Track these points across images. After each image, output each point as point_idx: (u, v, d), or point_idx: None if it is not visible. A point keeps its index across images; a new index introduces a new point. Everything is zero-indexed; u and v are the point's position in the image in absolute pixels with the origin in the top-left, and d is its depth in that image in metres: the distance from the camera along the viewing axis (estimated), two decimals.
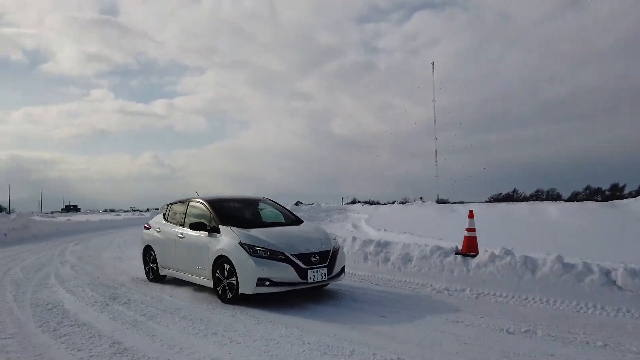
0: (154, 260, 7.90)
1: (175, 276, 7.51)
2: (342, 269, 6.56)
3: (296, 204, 35.65)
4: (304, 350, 4.15)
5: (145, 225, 8.49)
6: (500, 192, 35.67)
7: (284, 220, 7.28)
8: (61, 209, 55.12)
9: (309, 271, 5.95)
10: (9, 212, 36.11)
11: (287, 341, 4.44)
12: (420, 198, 29.70)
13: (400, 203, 24.63)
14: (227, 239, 6.25)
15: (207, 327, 5.00)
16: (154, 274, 7.93)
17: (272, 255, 5.92)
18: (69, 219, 27.41)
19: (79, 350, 4.28)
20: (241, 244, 6.04)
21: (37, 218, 25.16)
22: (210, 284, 6.47)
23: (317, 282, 6.06)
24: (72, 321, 5.32)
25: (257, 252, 5.94)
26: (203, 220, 6.81)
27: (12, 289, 7.38)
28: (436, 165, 31.00)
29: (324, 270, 6.11)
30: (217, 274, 6.31)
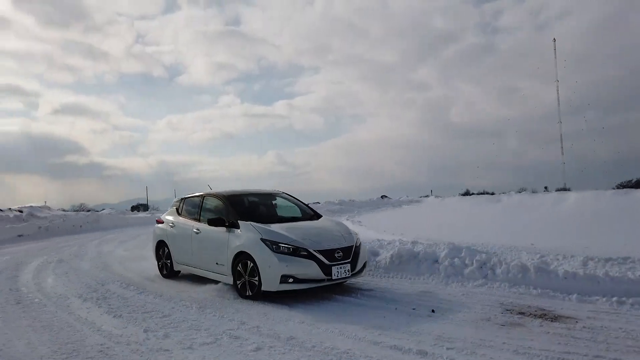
0: (168, 256, 7.75)
1: (191, 272, 7.37)
2: (364, 265, 6.43)
3: (382, 197, 35.37)
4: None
5: (158, 220, 8.32)
6: (630, 179, 31.12)
7: (302, 215, 7.13)
8: None
9: (332, 267, 5.83)
10: (146, 210, 39.31)
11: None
12: (545, 188, 27.74)
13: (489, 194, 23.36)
14: (248, 235, 6.11)
15: None
16: (167, 270, 7.77)
17: (296, 251, 5.79)
18: (137, 215, 27.19)
19: None
20: (263, 240, 5.89)
21: (106, 212, 26.10)
22: (230, 280, 6.33)
23: (341, 278, 5.94)
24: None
25: (280, 249, 5.80)
26: (221, 216, 6.65)
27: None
28: (562, 151, 28.85)
29: (348, 267, 5.98)
30: (237, 271, 6.17)
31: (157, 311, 5.52)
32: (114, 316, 5.38)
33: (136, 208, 44.81)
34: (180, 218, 7.67)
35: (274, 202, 7.48)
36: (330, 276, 5.80)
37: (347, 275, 5.98)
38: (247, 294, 6.03)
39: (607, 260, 6.33)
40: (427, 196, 30.70)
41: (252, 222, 6.26)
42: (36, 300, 6.34)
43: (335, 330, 4.61)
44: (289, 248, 5.80)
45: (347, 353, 3.96)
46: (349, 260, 6.04)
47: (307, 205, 7.55)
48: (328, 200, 30.14)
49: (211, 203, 7.23)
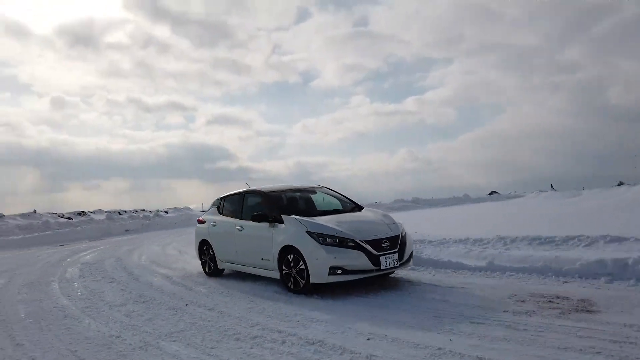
0: (211, 255, 7.81)
1: (235, 269, 7.41)
2: (411, 255, 6.33)
3: (490, 194, 35.23)
4: None
5: (199, 219, 8.40)
6: None
7: (343, 208, 7.08)
8: None
9: (381, 257, 5.75)
10: None
11: None
12: None
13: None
14: (293, 229, 6.09)
15: None
16: (211, 268, 7.84)
17: (342, 242, 5.74)
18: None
19: None
20: (309, 233, 5.86)
21: (165, 214, 28.36)
22: (277, 275, 6.33)
23: (390, 268, 5.86)
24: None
25: (326, 240, 5.76)
26: (264, 212, 6.66)
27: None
28: None
29: (395, 256, 5.90)
30: (284, 265, 6.17)
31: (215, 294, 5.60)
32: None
33: None
34: (222, 217, 7.71)
35: (314, 196, 7.44)
36: (378, 266, 5.73)
37: (395, 265, 5.89)
38: (295, 287, 6.01)
39: None
40: (540, 191, 29.16)
41: (295, 216, 6.24)
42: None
43: None
44: (336, 239, 5.75)
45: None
46: (396, 249, 5.95)
47: (347, 197, 7.49)
48: (398, 199, 30.22)
49: (252, 200, 7.25)
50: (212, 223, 7.86)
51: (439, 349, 3.69)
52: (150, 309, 5.74)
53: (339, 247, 5.72)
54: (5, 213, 22.35)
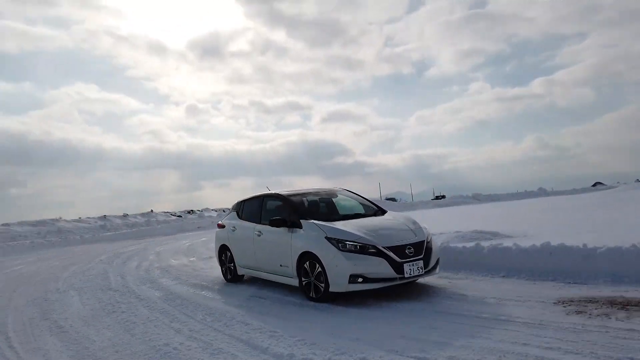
0: (231, 260, 7.63)
1: (255, 275, 7.20)
2: (437, 261, 5.96)
3: (594, 185, 32.97)
4: None
5: (219, 223, 8.25)
6: None
7: (365, 212, 6.76)
8: (431, 199, 57.17)
9: (404, 265, 5.42)
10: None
11: None
12: None
13: None
14: (312, 234, 5.82)
15: None
16: (231, 274, 7.65)
17: (363, 249, 5.43)
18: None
19: None
20: (328, 239, 5.58)
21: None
22: (296, 283, 6.07)
23: (414, 276, 5.51)
24: None
25: (346, 247, 5.46)
26: (283, 216, 6.42)
27: None
28: None
29: (420, 263, 5.55)
30: (302, 272, 5.90)
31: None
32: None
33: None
34: (242, 221, 7.52)
35: (335, 199, 7.15)
36: (402, 274, 5.39)
37: (420, 273, 5.54)
38: (314, 295, 5.74)
39: None
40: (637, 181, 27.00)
41: (314, 221, 5.96)
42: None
43: None
44: (356, 246, 5.45)
45: None
46: (421, 256, 5.60)
47: (371, 201, 7.17)
48: (457, 194, 29.85)
49: (272, 204, 7.03)
50: (232, 228, 7.68)
51: None
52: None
53: (360, 253, 5.41)
54: (156, 210, 31.48)
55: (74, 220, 27.02)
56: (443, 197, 56.51)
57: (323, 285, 5.58)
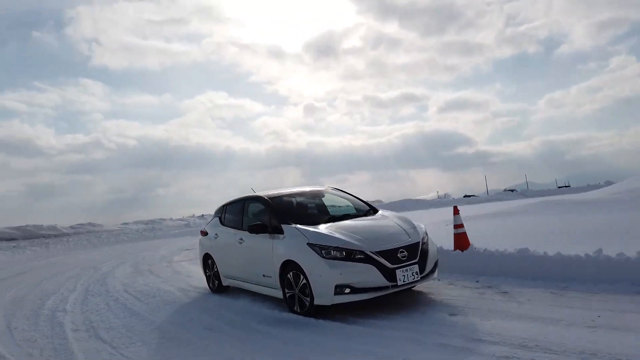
0: (215, 270, 7.05)
1: (239, 287, 6.61)
2: (436, 265, 5.34)
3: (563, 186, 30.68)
4: None
5: (202, 230, 7.67)
6: None
7: (355, 212, 6.14)
8: (558, 187, 55.50)
9: (397, 271, 4.80)
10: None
11: None
12: None
13: None
14: (293, 240, 5.22)
15: None
16: (216, 285, 7.08)
17: (349, 255, 4.81)
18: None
19: None
20: (310, 245, 4.97)
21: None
22: (280, 294, 5.47)
23: (409, 283, 4.89)
24: None
25: (330, 253, 4.85)
26: (264, 221, 5.82)
27: None
28: None
29: (416, 268, 4.93)
30: (286, 282, 5.31)
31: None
32: None
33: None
34: (224, 227, 6.93)
35: (322, 199, 6.53)
36: (394, 282, 4.77)
37: (415, 279, 4.92)
38: (298, 309, 5.14)
39: None
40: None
41: (297, 225, 5.36)
42: None
43: None
44: (342, 252, 4.83)
45: None
46: (416, 260, 4.98)
47: (361, 200, 6.55)
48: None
49: (253, 207, 6.44)
50: (214, 235, 7.09)
51: None
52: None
53: (346, 260, 4.80)
54: None
55: (178, 219, 34.91)
56: (567, 186, 53.85)
57: (308, 298, 4.98)
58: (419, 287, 5.62)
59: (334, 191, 6.74)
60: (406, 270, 4.85)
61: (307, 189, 6.77)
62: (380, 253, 4.82)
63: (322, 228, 5.27)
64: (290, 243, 5.24)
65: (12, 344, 5.12)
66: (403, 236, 5.13)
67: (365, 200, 6.51)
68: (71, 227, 35.60)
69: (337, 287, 4.73)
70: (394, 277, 4.77)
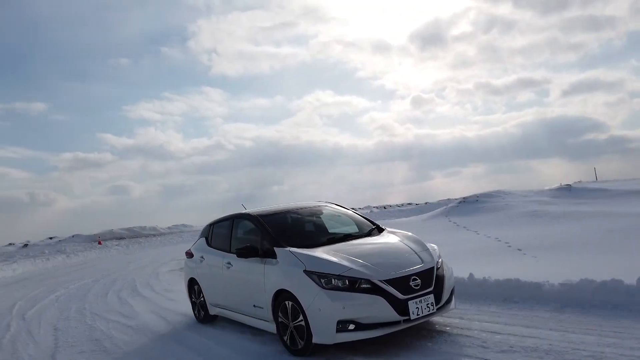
0: (202, 297, 6.29)
1: (228, 317, 5.85)
2: (452, 292, 4.63)
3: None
4: None
5: (187, 252, 6.91)
6: None
7: (358, 231, 5.42)
8: None
9: (409, 303, 4.08)
10: None
11: None
12: None
13: None
14: (287, 267, 4.50)
15: None
16: (202, 315, 6.31)
17: (354, 284, 4.09)
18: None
19: None
20: (307, 272, 4.25)
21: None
22: (272, 328, 4.73)
23: (424, 316, 4.17)
24: None
25: (331, 282, 4.13)
26: (254, 242, 5.11)
27: None
28: None
29: (431, 299, 4.21)
30: (280, 315, 4.57)
31: None
32: None
33: None
34: (211, 249, 6.19)
35: (321, 217, 5.80)
36: (407, 315, 4.05)
37: (431, 312, 4.20)
38: (293, 347, 4.40)
39: None
40: None
41: (291, 248, 4.64)
42: None
43: None
44: (344, 280, 4.11)
45: None
46: (431, 289, 4.26)
47: (364, 217, 5.84)
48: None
49: (242, 227, 5.71)
50: (200, 258, 6.34)
51: None
52: None
53: (350, 291, 4.07)
54: (390, 203, 34.75)
55: None
56: None
57: (304, 334, 4.25)
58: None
59: (333, 207, 6.03)
60: (420, 302, 4.14)
61: (303, 205, 6.05)
62: (390, 281, 4.11)
63: (321, 251, 4.54)
64: (284, 270, 4.52)
65: None
66: (414, 259, 4.42)
67: (368, 217, 5.80)
68: (168, 227, 38.67)
69: (339, 323, 4.00)
70: (407, 310, 4.05)
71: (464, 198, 17.73)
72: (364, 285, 4.08)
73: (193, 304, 6.56)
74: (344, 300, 4.02)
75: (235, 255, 5.32)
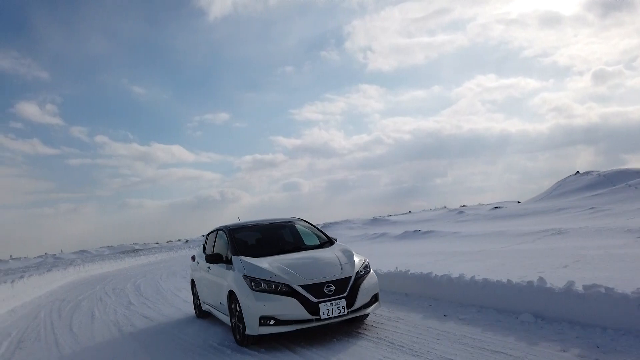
0: (198, 296, 7.53)
1: (210, 312, 7.01)
2: (374, 298, 5.41)
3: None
4: None
5: (192, 256, 8.23)
6: None
7: (311, 244, 6.35)
8: None
9: (320, 305, 4.94)
10: None
11: None
12: None
13: None
14: (235, 272, 5.55)
15: None
16: (199, 310, 7.55)
17: (276, 288, 5.05)
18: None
19: None
20: (244, 277, 5.28)
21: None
22: (229, 322, 5.80)
23: (333, 317, 5.00)
24: None
25: (260, 286, 5.12)
26: (224, 251, 6.23)
27: None
28: None
29: (342, 303, 5.04)
30: (231, 311, 5.64)
31: None
32: None
33: None
34: (203, 254, 7.41)
35: (285, 231, 6.79)
36: (318, 315, 4.92)
37: (342, 314, 5.02)
38: (238, 338, 5.44)
39: None
40: None
41: (242, 257, 5.69)
42: None
43: None
44: (270, 284, 5.08)
45: None
46: (344, 294, 5.09)
47: (322, 231, 6.74)
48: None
49: (221, 237, 6.86)
50: (197, 262, 7.61)
51: None
52: None
53: (272, 293, 5.03)
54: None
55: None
56: None
57: (242, 327, 5.27)
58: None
59: (300, 222, 6.98)
60: (331, 305, 4.97)
61: (276, 220, 7.06)
62: (305, 287, 5.00)
63: (264, 261, 5.53)
64: (233, 274, 5.57)
65: None
66: (335, 270, 5.26)
67: (325, 232, 6.69)
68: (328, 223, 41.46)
69: (261, 318, 4.97)
70: (317, 311, 4.91)
71: None
72: (284, 289, 5.01)
73: (194, 301, 7.82)
74: (265, 300, 4.98)
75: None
